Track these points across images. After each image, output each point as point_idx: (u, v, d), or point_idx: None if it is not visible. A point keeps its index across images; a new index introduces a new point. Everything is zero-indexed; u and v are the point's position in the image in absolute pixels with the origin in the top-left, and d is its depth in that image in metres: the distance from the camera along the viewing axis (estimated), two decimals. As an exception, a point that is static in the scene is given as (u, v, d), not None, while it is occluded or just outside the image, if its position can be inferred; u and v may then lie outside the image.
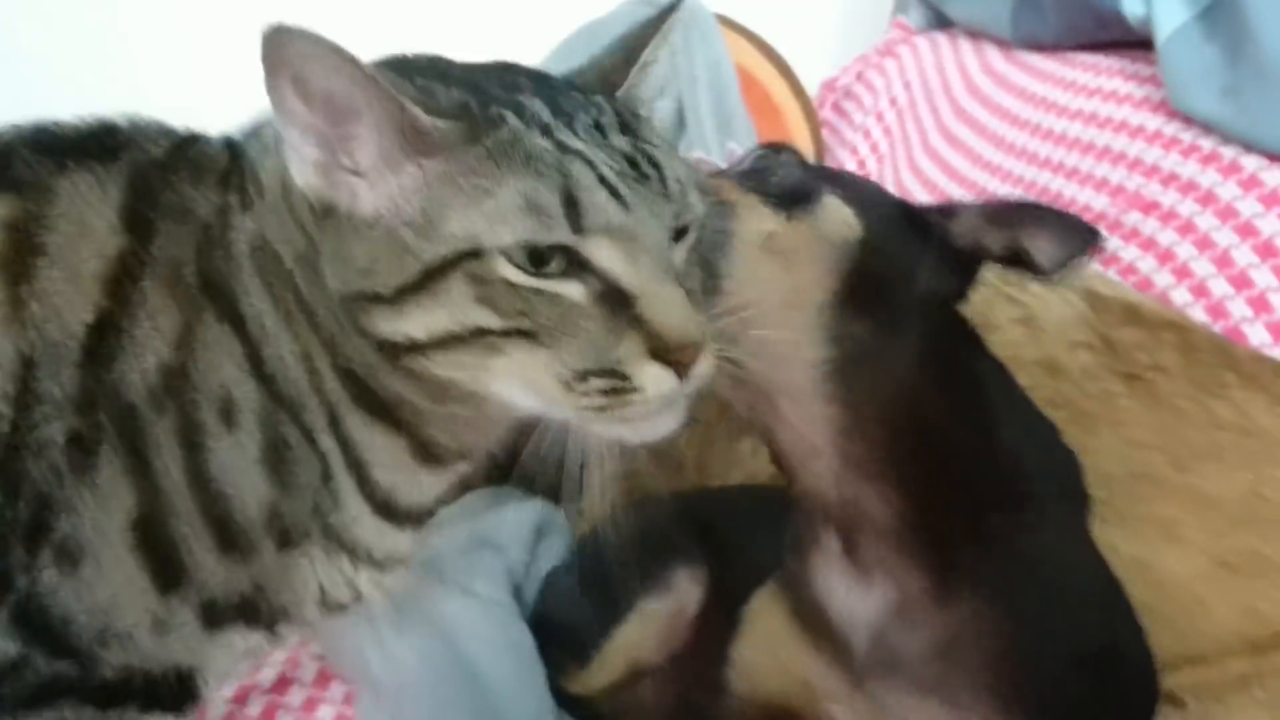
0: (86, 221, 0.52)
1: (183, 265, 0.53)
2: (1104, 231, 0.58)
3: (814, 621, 0.61)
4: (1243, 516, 0.71)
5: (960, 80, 1.32)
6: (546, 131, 0.49)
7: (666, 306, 0.49)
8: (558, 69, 1.46)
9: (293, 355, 0.53)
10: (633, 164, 0.50)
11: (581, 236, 0.48)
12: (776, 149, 0.64)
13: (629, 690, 0.75)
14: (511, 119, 0.49)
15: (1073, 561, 0.60)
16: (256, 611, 0.56)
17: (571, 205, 0.48)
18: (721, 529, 0.79)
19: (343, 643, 0.77)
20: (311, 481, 0.55)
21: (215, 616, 0.55)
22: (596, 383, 0.49)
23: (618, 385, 0.49)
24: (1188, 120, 0.99)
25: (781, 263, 0.57)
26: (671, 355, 0.49)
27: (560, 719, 0.76)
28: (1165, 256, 0.96)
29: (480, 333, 0.49)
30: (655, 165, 0.51)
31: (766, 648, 0.66)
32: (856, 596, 0.58)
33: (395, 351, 0.51)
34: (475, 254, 0.48)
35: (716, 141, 1.34)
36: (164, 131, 0.58)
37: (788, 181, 0.60)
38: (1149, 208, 0.99)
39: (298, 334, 0.53)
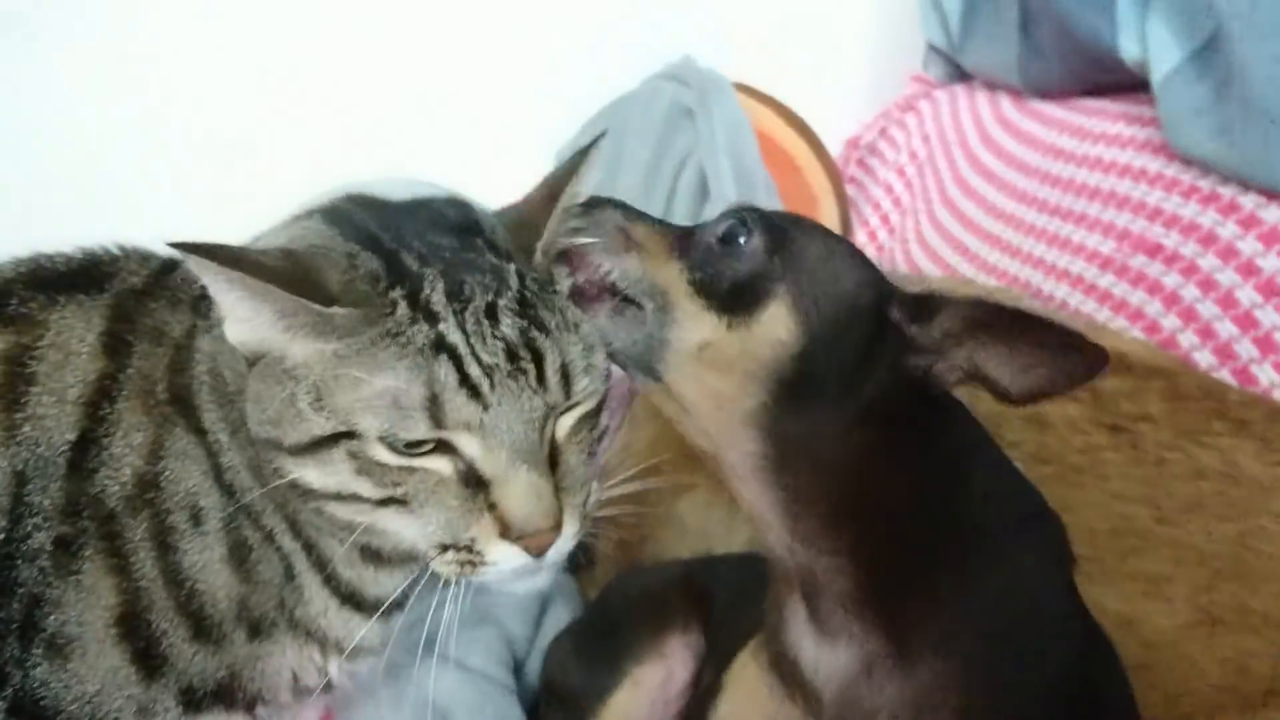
0: (71, 350, 0.58)
1: (156, 383, 0.59)
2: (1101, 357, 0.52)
3: (789, 675, 0.62)
4: (1230, 569, 0.69)
5: (975, 131, 1.32)
6: (433, 319, 0.53)
7: (519, 495, 0.53)
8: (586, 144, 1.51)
9: (243, 466, 0.58)
10: (512, 356, 0.54)
11: (443, 431, 0.52)
12: (745, 217, 0.61)
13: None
14: (400, 308, 0.53)
15: (1042, 624, 0.59)
16: (233, 696, 0.60)
17: (434, 403, 0.52)
18: (719, 596, 0.80)
19: (350, 715, 0.81)
20: (275, 578, 0.59)
21: (195, 701, 0.59)
22: (449, 555, 0.54)
23: (470, 560, 0.54)
24: (1187, 161, 0.98)
25: (713, 372, 0.58)
26: (520, 541, 0.53)
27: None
28: (1171, 300, 0.95)
29: (360, 498, 0.54)
30: (536, 356, 0.54)
31: (745, 703, 0.67)
32: (824, 656, 0.59)
33: (298, 491, 0.56)
34: (353, 435, 0.52)
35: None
36: (145, 259, 0.64)
37: (742, 275, 0.59)
38: (1153, 251, 0.98)
39: (243, 448, 0.58)
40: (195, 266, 0.52)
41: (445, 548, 0.54)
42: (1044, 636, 0.58)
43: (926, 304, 0.57)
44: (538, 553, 0.54)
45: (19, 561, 0.56)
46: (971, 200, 1.26)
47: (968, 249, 1.22)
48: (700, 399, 0.58)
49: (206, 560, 0.58)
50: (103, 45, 1.34)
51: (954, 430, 0.60)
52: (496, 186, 1.53)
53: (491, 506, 0.53)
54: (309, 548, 0.60)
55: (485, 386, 0.52)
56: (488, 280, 0.55)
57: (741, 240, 0.60)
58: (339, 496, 0.54)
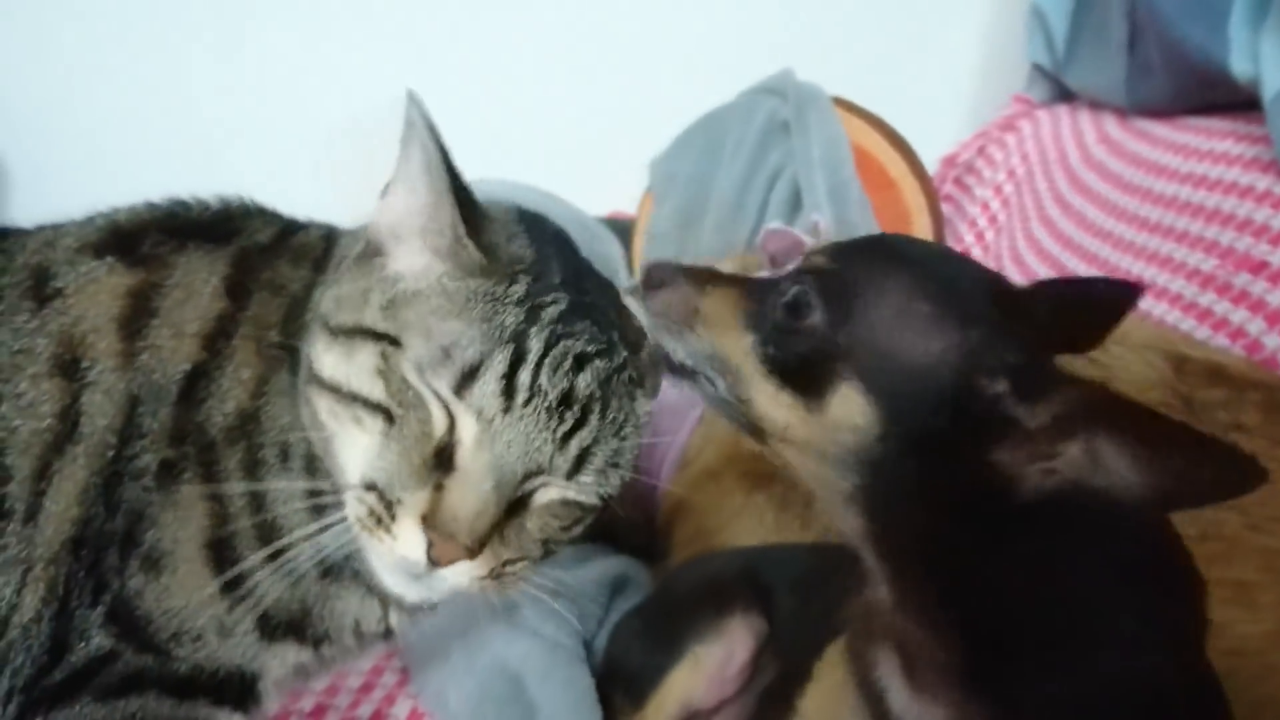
0: (195, 289, 0.62)
1: (269, 328, 0.62)
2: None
3: (875, 704, 0.59)
4: (1322, 580, 0.67)
5: (1076, 150, 1.30)
6: (532, 319, 0.55)
7: (467, 499, 0.53)
8: (680, 157, 1.52)
9: None
10: (564, 401, 0.54)
11: (458, 401, 0.53)
12: (805, 288, 0.56)
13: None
14: (516, 288, 0.55)
15: (1152, 700, 0.53)
16: (303, 631, 0.62)
17: (471, 374, 0.53)
18: (781, 582, 0.80)
19: (426, 677, 0.83)
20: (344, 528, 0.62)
21: (270, 629, 0.61)
22: (370, 498, 0.54)
23: (381, 516, 0.54)
24: (1297, 178, 0.95)
25: (801, 454, 0.56)
26: (432, 535, 0.53)
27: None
28: (1275, 318, 0.92)
29: (357, 398, 0.55)
30: (578, 424, 0.55)
31: (829, 709, 0.65)
32: (916, 710, 0.56)
33: (308, 377, 0.58)
34: (396, 343, 0.55)
35: (830, 215, 1.37)
36: (269, 219, 0.67)
37: (806, 354, 0.55)
38: (1258, 268, 0.95)
39: None
40: (415, 114, 0.55)
41: (371, 488, 0.55)
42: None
43: (1037, 377, 0.48)
44: (435, 560, 0.53)
45: (125, 479, 0.59)
46: (1070, 218, 1.24)
47: (1064, 266, 1.21)
48: (799, 470, 0.57)
49: (288, 497, 0.61)
50: (232, 40, 1.42)
51: (1070, 519, 0.51)
52: (593, 194, 1.57)
53: (437, 488, 0.53)
54: None
55: (520, 398, 0.53)
56: (599, 337, 0.57)
57: (804, 313, 0.55)
58: (338, 391, 0.56)
